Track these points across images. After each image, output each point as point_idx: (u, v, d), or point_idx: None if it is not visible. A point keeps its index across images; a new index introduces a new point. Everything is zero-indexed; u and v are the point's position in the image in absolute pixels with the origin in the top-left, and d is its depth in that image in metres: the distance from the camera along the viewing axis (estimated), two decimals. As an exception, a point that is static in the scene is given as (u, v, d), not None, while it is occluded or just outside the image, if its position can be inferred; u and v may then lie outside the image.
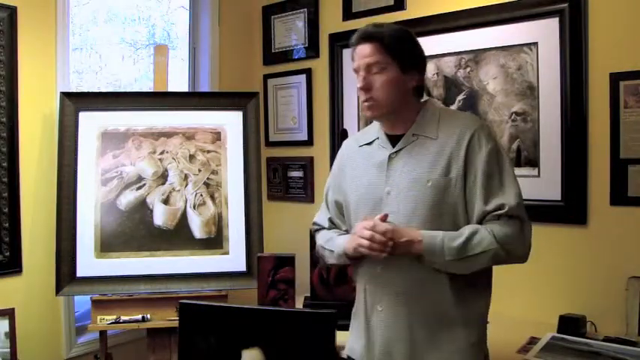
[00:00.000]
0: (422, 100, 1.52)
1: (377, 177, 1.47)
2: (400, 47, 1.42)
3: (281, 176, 3.02)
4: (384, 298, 1.46)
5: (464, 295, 1.40)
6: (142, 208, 2.26)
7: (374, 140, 1.52)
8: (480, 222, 1.37)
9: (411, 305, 1.41)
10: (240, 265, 2.31)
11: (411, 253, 1.36)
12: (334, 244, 1.55)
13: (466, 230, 1.36)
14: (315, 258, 2.18)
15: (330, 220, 1.65)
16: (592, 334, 1.94)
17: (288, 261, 2.13)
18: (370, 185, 1.48)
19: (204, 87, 2.96)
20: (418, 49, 1.47)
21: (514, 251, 1.36)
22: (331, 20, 2.79)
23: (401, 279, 1.42)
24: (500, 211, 1.34)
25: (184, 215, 2.29)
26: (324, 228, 1.66)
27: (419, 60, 1.47)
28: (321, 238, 1.65)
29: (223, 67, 2.99)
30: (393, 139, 1.48)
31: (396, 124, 1.48)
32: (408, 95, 1.45)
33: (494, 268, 1.45)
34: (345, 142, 1.68)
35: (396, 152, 1.46)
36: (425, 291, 1.40)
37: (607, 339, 1.85)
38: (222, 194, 2.34)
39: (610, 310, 1.96)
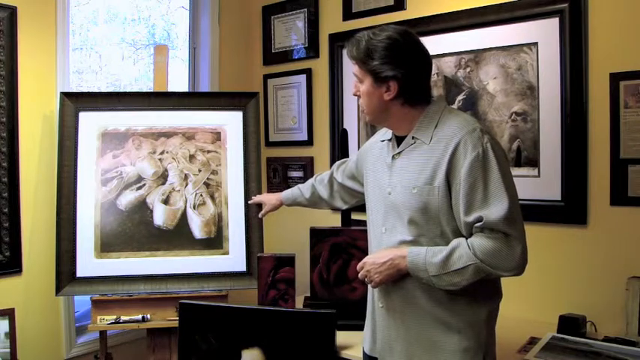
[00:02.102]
0: (433, 99, 1.49)
1: (384, 176, 1.51)
2: (371, 61, 1.41)
3: (281, 176, 3.02)
4: (383, 297, 1.51)
5: (457, 303, 1.40)
6: (142, 208, 2.26)
7: (390, 139, 1.54)
8: (470, 232, 1.36)
9: (405, 308, 1.46)
10: (240, 265, 2.31)
11: (400, 269, 1.41)
12: None
13: (450, 245, 1.36)
14: (315, 258, 2.18)
15: (339, 173, 1.95)
16: (592, 334, 1.94)
17: (288, 261, 2.13)
18: (379, 183, 1.53)
19: (204, 87, 2.96)
20: (398, 58, 1.39)
21: (499, 266, 1.32)
22: (331, 20, 2.79)
23: (394, 284, 1.46)
24: (479, 224, 1.32)
25: (184, 215, 2.29)
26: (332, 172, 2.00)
27: (399, 70, 1.39)
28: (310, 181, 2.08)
29: (223, 67, 2.99)
30: (400, 140, 1.49)
31: (397, 127, 1.50)
32: (390, 105, 1.44)
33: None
34: (376, 132, 1.71)
35: (398, 154, 1.48)
36: (417, 297, 1.44)
37: (607, 339, 1.85)
38: (222, 194, 2.34)
39: (610, 310, 1.96)
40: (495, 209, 1.30)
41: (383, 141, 1.57)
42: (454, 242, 1.36)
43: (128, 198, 2.26)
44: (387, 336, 1.50)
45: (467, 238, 1.36)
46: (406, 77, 1.40)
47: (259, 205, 2.30)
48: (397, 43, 1.40)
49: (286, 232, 2.91)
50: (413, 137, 1.45)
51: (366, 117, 1.53)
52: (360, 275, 1.49)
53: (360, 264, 1.50)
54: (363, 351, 1.64)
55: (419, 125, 1.44)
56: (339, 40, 2.72)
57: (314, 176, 2.11)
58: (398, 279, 1.44)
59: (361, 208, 1.68)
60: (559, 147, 2.09)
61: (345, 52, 2.69)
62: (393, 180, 1.47)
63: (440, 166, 1.37)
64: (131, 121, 2.31)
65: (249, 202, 2.32)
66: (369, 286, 1.55)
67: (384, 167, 1.52)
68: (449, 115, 1.43)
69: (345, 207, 2.00)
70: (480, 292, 1.40)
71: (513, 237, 1.31)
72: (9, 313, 2.03)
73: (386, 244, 1.48)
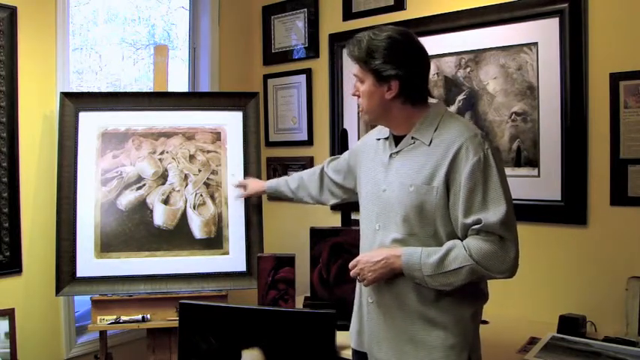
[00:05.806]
0: (430, 102, 1.51)
1: (379, 174, 1.53)
2: (373, 61, 1.42)
3: (281, 176, 3.01)
4: (373, 292, 1.53)
5: (444, 301, 1.42)
6: (142, 208, 2.26)
7: (387, 137, 1.55)
8: (465, 233, 1.38)
9: (394, 304, 1.48)
10: (240, 265, 2.31)
11: (394, 269, 1.42)
12: None
13: (445, 246, 1.38)
14: (314, 258, 2.18)
15: (330, 168, 1.92)
16: (592, 334, 1.94)
17: (288, 261, 2.13)
18: (375, 180, 1.54)
19: (204, 87, 2.95)
20: (399, 57, 1.41)
21: (493, 268, 1.35)
22: (331, 20, 2.79)
23: (386, 281, 1.48)
24: (477, 226, 1.34)
25: (184, 215, 2.29)
26: (322, 167, 1.97)
27: (401, 69, 1.41)
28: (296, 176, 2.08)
29: (223, 67, 2.99)
30: (398, 140, 1.51)
31: (396, 126, 1.51)
32: (391, 104, 1.45)
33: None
34: (370, 131, 1.72)
35: (396, 152, 1.50)
36: (406, 294, 1.46)
37: (607, 339, 1.85)
38: (222, 194, 2.34)
39: (610, 310, 1.96)
40: (494, 213, 1.33)
41: (379, 139, 1.59)
42: (449, 243, 1.38)
43: (128, 198, 2.25)
44: (375, 331, 1.53)
45: (461, 240, 1.38)
46: (407, 76, 1.42)
47: (244, 187, 2.29)
48: (398, 42, 1.42)
49: (286, 232, 2.91)
50: (412, 137, 1.46)
51: (364, 116, 1.54)
52: (352, 273, 1.50)
53: (354, 262, 1.50)
54: (352, 348, 1.65)
55: (419, 126, 1.46)
56: (339, 40, 2.72)
57: (303, 171, 2.12)
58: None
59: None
60: (559, 147, 2.09)
61: (345, 52, 2.71)
62: (389, 178, 1.49)
63: (440, 168, 1.39)
64: (131, 121, 2.31)
65: (232, 184, 2.30)
66: (360, 284, 1.56)
67: (379, 165, 1.54)
68: (450, 120, 1.46)
69: (332, 202, 1.98)
70: (466, 293, 1.42)
71: (508, 240, 1.34)
72: (9, 313, 2.03)
73: (379, 240, 1.50)
